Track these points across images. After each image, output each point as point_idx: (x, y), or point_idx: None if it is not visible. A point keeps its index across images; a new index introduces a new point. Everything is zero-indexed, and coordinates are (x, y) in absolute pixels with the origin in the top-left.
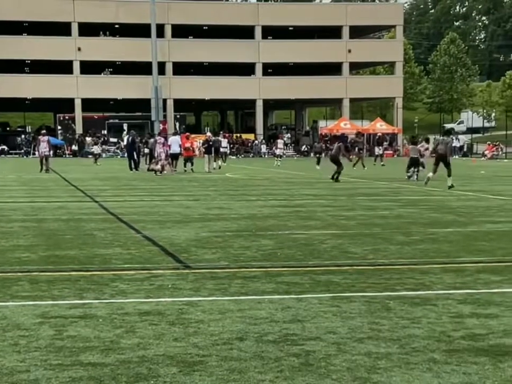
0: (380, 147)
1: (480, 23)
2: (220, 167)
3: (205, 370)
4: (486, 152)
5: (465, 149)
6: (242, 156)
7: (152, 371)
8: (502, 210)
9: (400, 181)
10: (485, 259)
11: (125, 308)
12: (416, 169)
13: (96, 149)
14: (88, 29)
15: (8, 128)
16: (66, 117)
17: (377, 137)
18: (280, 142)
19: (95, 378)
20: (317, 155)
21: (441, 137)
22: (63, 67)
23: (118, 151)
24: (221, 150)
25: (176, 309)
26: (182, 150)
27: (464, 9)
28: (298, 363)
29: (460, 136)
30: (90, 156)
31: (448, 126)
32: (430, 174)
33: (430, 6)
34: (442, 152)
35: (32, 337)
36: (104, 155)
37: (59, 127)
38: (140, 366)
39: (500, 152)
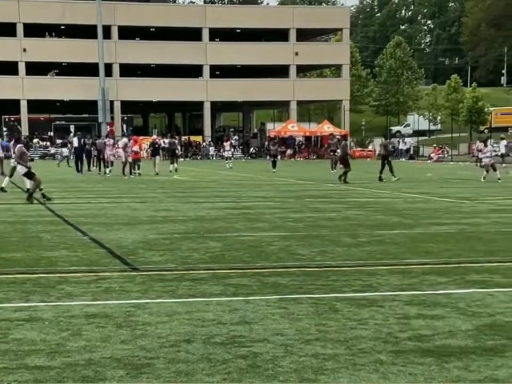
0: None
1: (425, 27)
2: (176, 170)
3: (152, 373)
4: (432, 155)
5: (411, 152)
6: (190, 157)
7: (99, 374)
8: (448, 212)
9: (351, 183)
10: (431, 261)
11: (71, 310)
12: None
13: (65, 151)
14: (34, 30)
15: None
16: (12, 119)
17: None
18: (227, 145)
19: (41, 382)
20: (273, 158)
21: None
22: (8, 68)
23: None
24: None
25: (123, 312)
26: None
27: (409, 13)
28: (246, 365)
29: (406, 139)
30: (57, 157)
31: (394, 128)
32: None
33: (376, 10)
34: None
35: None
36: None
37: (4, 129)
38: (86, 369)
39: (446, 155)
